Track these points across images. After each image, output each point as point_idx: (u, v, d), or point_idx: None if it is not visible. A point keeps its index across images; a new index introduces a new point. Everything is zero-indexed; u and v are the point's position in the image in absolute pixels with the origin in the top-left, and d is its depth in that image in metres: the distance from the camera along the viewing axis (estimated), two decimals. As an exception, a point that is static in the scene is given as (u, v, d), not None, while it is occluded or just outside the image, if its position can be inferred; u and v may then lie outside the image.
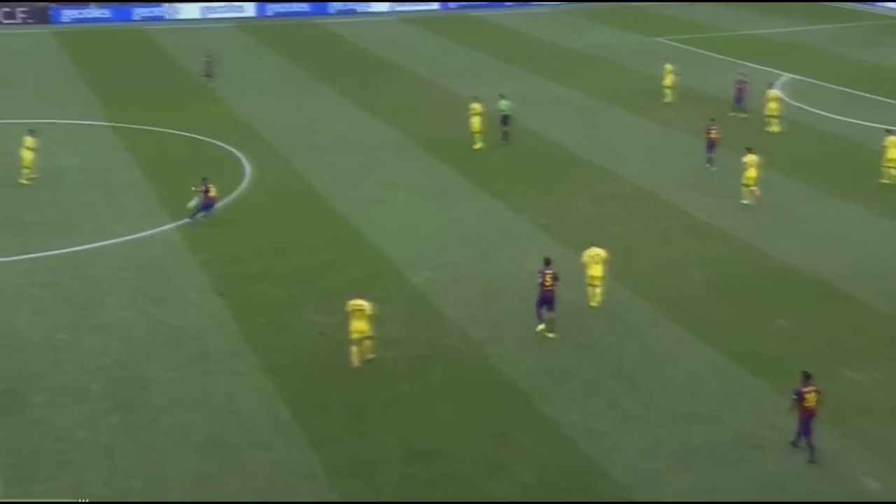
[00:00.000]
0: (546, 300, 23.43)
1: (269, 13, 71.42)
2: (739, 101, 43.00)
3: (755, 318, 24.85)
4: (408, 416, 20.52)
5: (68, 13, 67.59)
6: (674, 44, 60.89)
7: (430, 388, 21.65)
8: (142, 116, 42.67)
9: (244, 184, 34.52)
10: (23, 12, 66.46)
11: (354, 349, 21.97)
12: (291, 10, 71.93)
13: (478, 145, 38.30)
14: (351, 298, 22.17)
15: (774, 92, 42.10)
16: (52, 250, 28.46)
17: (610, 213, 32.04)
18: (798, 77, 50.92)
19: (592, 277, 25.12)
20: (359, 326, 21.95)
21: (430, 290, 26.44)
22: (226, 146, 38.68)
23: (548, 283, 23.25)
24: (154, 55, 57.88)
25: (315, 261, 28.22)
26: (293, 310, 25.11)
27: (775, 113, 40.96)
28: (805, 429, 18.92)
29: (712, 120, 37.00)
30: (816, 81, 50.32)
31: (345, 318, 22.29)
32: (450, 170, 36.33)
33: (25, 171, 33.94)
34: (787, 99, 45.40)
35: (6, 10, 66.27)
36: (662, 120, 42.76)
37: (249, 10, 71.44)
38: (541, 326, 23.55)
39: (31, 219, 30.99)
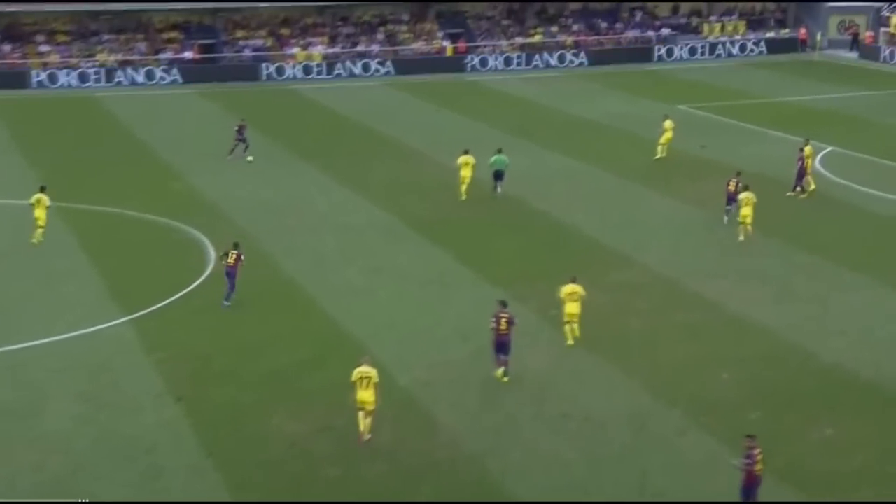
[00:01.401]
0: (501, 345, 25.88)
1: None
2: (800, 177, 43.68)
3: (798, 426, 24.89)
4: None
5: None
6: (698, 112, 61.97)
7: (419, 511, 21.58)
8: (88, 194, 43.05)
9: (208, 271, 34.73)
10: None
11: (361, 414, 23.47)
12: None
13: (463, 196, 42.00)
14: (358, 366, 23.64)
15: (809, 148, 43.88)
16: (-17, 350, 28.58)
17: (627, 304, 32.26)
18: (840, 150, 51.65)
19: (570, 315, 28.58)
20: (364, 397, 23.25)
21: (422, 392, 26.49)
22: (188, 228, 39.01)
23: (502, 328, 25.76)
24: (103, 123, 58.65)
25: (289, 360, 28.31)
26: (263, 417, 25.10)
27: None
28: (750, 493, 20.63)
29: (738, 173, 40.07)
30: (862, 155, 51.06)
31: (320, 426, 22.29)
32: (445, 254, 36.67)
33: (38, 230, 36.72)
34: (828, 174, 46.09)
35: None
36: (686, 197, 43.27)
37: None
38: (498, 371, 26.07)
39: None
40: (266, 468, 22.94)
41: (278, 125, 58.39)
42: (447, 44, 79.53)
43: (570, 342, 28.67)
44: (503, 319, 25.78)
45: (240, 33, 77.61)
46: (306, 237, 38.73)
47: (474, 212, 41.09)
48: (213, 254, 36.36)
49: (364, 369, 23.49)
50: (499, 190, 42.76)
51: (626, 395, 25.61)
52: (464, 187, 42.37)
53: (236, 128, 50.59)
